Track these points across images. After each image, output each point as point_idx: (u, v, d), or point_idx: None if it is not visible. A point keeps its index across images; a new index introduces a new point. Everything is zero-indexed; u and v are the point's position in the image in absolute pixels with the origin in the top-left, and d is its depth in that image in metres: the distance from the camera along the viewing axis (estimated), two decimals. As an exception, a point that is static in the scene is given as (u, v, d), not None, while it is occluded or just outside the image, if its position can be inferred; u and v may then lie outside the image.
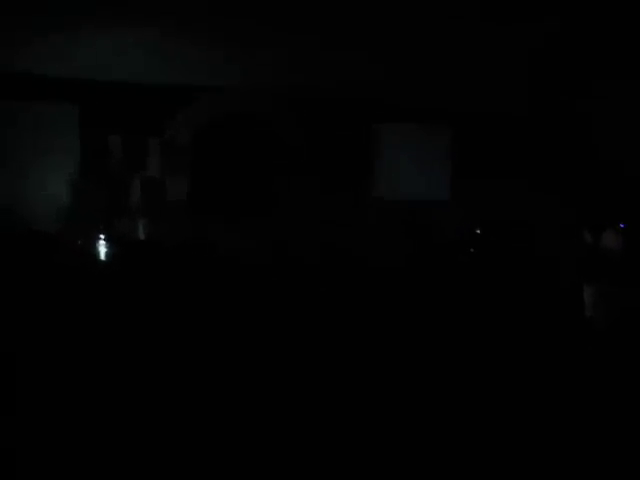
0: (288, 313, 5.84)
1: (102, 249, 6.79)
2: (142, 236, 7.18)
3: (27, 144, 6.92)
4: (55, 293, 5.44)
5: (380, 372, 4.70)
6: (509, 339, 5.51)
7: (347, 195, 8.27)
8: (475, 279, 6.82)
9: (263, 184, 8.15)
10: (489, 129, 8.33)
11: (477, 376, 4.75)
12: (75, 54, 6.19)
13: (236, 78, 7.37)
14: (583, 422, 4.01)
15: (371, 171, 8.45)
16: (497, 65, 6.43)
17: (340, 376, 4.60)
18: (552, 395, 4.42)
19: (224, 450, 3.57)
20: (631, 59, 6.04)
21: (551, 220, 7.69)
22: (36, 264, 5.82)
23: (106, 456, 3.39)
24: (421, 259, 7.29)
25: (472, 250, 7.66)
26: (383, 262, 7.16)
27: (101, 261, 6.77)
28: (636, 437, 3.74)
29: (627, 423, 3.96)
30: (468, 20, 5.22)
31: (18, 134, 6.90)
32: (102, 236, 6.84)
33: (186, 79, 7.30)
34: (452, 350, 5.17)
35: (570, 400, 4.34)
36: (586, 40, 5.54)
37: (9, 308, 4.90)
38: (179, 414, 3.91)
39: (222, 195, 7.86)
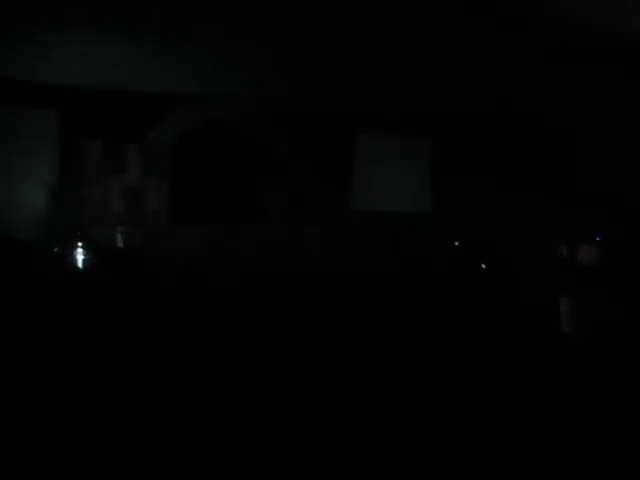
0: (268, 323, 5.83)
1: (80, 257, 6.72)
2: (121, 244, 7.11)
3: (3, 149, 6.83)
4: (31, 302, 5.36)
5: (362, 382, 4.71)
6: (488, 349, 5.55)
7: (328, 206, 8.30)
8: (455, 291, 6.87)
9: (245, 193, 8.14)
10: (470, 141, 8.41)
11: (458, 385, 4.77)
12: (56, 60, 6.13)
13: (219, 86, 7.36)
14: (560, 434, 4.05)
15: (352, 182, 8.49)
16: (481, 78, 6.50)
17: (322, 386, 4.60)
18: (531, 407, 4.45)
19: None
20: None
21: (530, 232, 7.79)
22: (11, 272, 5.74)
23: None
24: (402, 270, 7.32)
25: (451, 262, 7.72)
26: (364, 273, 7.18)
27: (78, 270, 6.70)
28: (615, 446, 3.78)
29: (604, 433, 4.01)
30: (447, 32, 5.27)
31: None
32: (80, 244, 6.77)
33: (168, 86, 7.27)
34: (434, 361, 5.19)
35: (547, 412, 4.38)
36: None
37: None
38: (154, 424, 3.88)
39: (203, 203, 7.83)
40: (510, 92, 7.19)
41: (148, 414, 3.99)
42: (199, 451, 3.64)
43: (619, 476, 3.50)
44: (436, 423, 4.16)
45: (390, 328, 5.88)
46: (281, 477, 3.46)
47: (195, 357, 4.99)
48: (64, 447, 3.53)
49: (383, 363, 5.17)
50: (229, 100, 7.88)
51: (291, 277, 7.17)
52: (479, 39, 5.37)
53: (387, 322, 6.01)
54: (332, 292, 6.84)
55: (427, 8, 4.76)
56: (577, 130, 7.80)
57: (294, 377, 4.75)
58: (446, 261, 7.78)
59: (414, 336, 5.81)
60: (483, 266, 7.79)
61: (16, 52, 5.92)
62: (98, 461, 3.44)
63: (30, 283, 5.45)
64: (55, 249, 6.63)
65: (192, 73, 6.75)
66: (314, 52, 5.92)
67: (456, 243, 7.90)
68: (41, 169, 7.03)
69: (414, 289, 6.83)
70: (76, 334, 5.08)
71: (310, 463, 3.59)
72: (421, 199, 8.61)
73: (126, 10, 4.83)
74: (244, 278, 6.95)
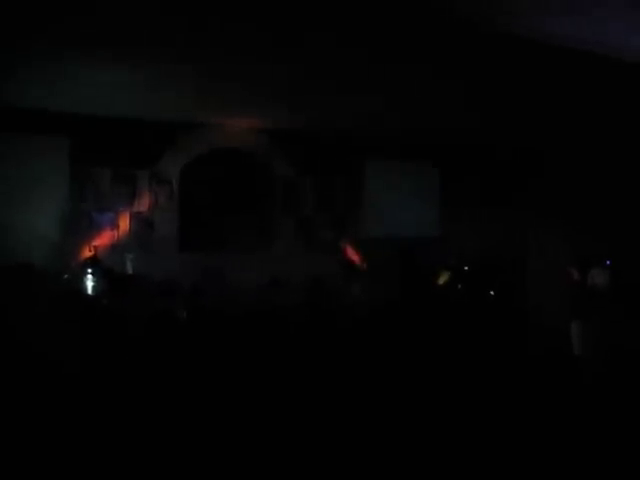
0: (278, 350, 5.81)
1: (89, 283, 6.74)
2: (129, 271, 7.12)
3: (16, 176, 6.88)
4: (40, 325, 5.37)
5: (374, 405, 4.68)
6: (498, 372, 5.51)
7: (337, 232, 8.33)
8: (464, 315, 6.84)
9: (252, 220, 8.17)
10: (478, 167, 8.43)
11: (467, 407, 4.74)
12: (67, 89, 6.21)
13: (226, 115, 7.43)
14: (571, 455, 4.00)
15: (361, 208, 8.52)
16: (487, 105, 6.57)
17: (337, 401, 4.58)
18: (542, 429, 4.41)
19: None
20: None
21: (540, 257, 7.77)
22: (22, 297, 5.76)
23: None
24: (411, 295, 7.30)
25: (460, 286, 7.69)
26: (373, 298, 7.16)
27: (87, 296, 6.71)
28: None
29: (616, 452, 3.96)
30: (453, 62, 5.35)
31: (8, 166, 6.86)
32: (89, 270, 6.78)
33: (176, 116, 7.34)
34: (444, 388, 5.15)
35: (558, 433, 4.33)
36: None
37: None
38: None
39: (210, 230, 7.86)
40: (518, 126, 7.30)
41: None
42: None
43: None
44: (446, 446, 4.12)
45: (402, 351, 5.86)
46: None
47: (202, 380, 4.97)
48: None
49: (395, 387, 5.13)
50: (239, 129, 7.94)
51: (299, 305, 7.15)
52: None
53: (400, 346, 5.99)
54: (341, 318, 6.82)
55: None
56: (583, 160, 7.85)
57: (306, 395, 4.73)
58: (456, 285, 7.76)
59: (426, 359, 5.78)
60: (492, 292, 7.77)
61: (27, 81, 6.01)
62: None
63: (42, 306, 5.48)
64: (65, 275, 6.64)
65: (202, 102, 6.83)
66: (322, 82, 6.00)
67: (465, 268, 7.89)
68: (52, 196, 7.08)
69: (425, 314, 6.80)
70: (84, 358, 5.08)
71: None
72: (431, 224, 8.61)
73: (137, 41, 4.92)
74: (251, 306, 6.93)
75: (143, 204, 7.60)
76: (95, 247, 7.13)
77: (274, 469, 3.73)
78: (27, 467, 3.59)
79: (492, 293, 7.71)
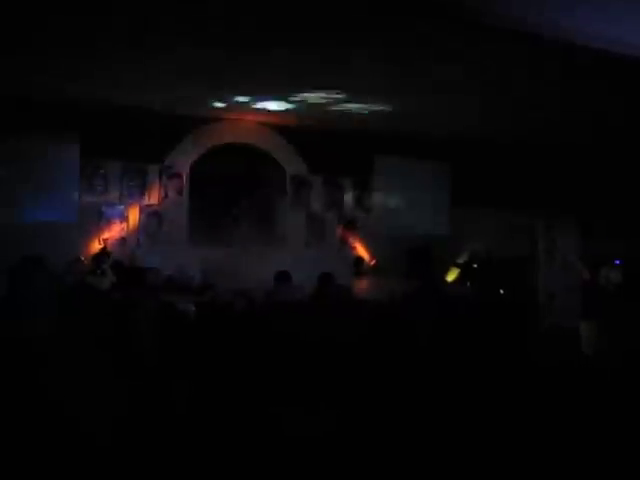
0: (281, 350, 5.80)
1: (98, 277, 6.75)
2: (139, 264, 7.13)
3: (26, 170, 6.90)
4: (49, 319, 5.38)
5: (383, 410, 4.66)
6: (507, 372, 5.49)
7: (347, 228, 8.33)
8: (472, 312, 6.82)
9: (261, 215, 8.19)
10: (488, 165, 8.40)
11: (475, 413, 4.71)
12: (78, 82, 6.23)
13: (237, 110, 7.44)
14: (581, 459, 3.98)
15: (370, 205, 8.54)
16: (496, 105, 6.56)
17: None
18: (552, 434, 4.38)
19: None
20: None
21: (550, 255, 7.75)
22: (31, 290, 5.76)
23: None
24: (420, 292, 7.28)
25: (468, 284, 7.69)
26: (382, 294, 7.14)
27: (97, 289, 6.72)
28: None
29: (628, 459, 3.93)
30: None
31: (18, 160, 6.88)
32: (99, 263, 6.80)
33: (187, 109, 7.36)
34: (449, 384, 5.13)
35: (569, 439, 4.30)
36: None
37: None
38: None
39: (220, 225, 7.88)
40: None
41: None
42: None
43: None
44: (454, 446, 4.10)
45: (410, 347, 5.83)
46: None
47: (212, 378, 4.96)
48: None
49: (401, 390, 5.11)
50: (249, 124, 7.95)
51: (308, 301, 7.14)
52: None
53: (407, 342, 5.96)
54: (348, 316, 6.79)
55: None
56: (595, 158, 7.82)
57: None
58: (465, 283, 7.75)
59: (433, 359, 5.76)
60: (501, 290, 7.75)
61: (38, 73, 6.03)
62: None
63: (51, 300, 5.48)
64: (74, 268, 6.66)
65: (213, 96, 6.84)
66: (333, 79, 5.99)
67: (474, 265, 7.88)
68: (62, 189, 7.11)
69: (433, 310, 6.78)
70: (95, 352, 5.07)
71: None
72: (440, 222, 8.60)
73: (151, 33, 4.93)
74: (259, 300, 6.92)
75: (153, 197, 7.63)
76: (105, 240, 7.17)
77: (275, 467, 3.72)
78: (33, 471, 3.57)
79: (501, 291, 7.70)
